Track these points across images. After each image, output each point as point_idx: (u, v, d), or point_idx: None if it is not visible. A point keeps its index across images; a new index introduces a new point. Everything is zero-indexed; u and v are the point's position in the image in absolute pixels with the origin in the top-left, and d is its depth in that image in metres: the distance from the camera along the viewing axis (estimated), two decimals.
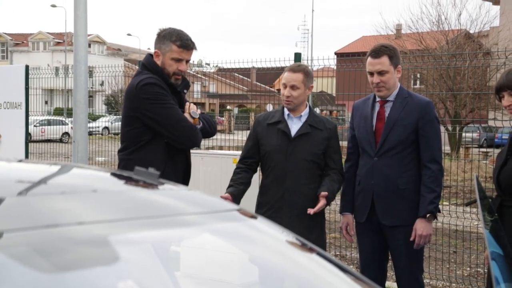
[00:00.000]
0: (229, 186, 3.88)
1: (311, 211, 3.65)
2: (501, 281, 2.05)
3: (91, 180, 1.79)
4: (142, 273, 1.60)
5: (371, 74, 3.69)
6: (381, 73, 3.65)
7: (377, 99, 3.78)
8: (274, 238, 1.93)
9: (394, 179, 3.65)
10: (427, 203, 3.55)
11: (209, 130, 3.80)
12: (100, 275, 1.38)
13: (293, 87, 3.82)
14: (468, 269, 6.47)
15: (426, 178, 3.59)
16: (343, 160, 4.00)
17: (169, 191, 1.87)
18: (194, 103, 3.83)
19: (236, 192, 3.80)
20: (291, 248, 1.94)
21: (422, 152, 3.65)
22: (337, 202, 7.35)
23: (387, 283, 5.28)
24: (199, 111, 3.78)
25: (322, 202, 3.67)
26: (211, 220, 1.77)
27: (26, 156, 6.88)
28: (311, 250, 1.89)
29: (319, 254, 1.87)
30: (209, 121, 3.82)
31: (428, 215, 3.57)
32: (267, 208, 3.83)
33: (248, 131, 4.54)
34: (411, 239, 3.59)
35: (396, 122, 3.66)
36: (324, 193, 3.68)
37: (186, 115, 3.68)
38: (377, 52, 3.67)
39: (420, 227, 3.58)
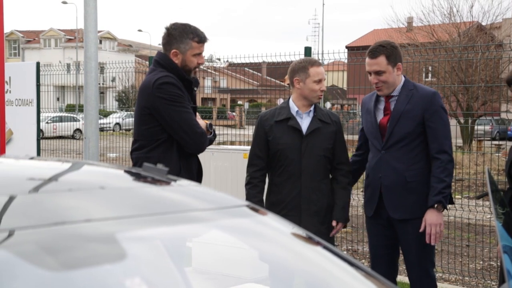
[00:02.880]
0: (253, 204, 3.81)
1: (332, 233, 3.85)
2: None
3: (99, 177, 1.79)
4: (151, 269, 1.60)
5: (370, 73, 3.69)
6: (378, 73, 3.63)
7: None
8: (283, 234, 1.92)
9: (402, 172, 3.63)
10: (435, 193, 3.52)
11: (213, 140, 3.84)
12: (109, 273, 1.38)
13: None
14: (481, 262, 6.44)
15: (435, 168, 3.56)
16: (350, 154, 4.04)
17: (178, 187, 1.87)
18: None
19: None
20: (301, 244, 1.93)
21: (430, 144, 3.61)
22: (352, 197, 7.35)
23: (399, 277, 5.26)
24: (207, 121, 3.83)
25: (338, 227, 3.87)
26: (221, 216, 1.77)
27: (38, 153, 6.92)
28: (321, 245, 1.88)
29: (329, 249, 1.86)
30: (215, 132, 3.87)
31: (436, 205, 3.54)
32: (282, 206, 3.78)
33: None
34: (421, 230, 3.56)
35: (402, 115, 3.64)
36: (339, 225, 3.86)
37: (200, 121, 3.70)
38: (374, 52, 3.65)
39: (430, 217, 3.55)
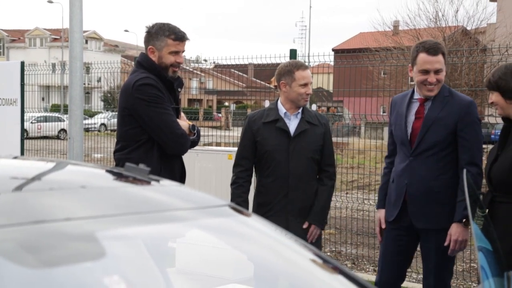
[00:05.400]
0: (236, 204, 3.78)
1: (309, 239, 3.81)
2: (489, 275, 2.06)
3: (80, 176, 1.79)
4: (132, 268, 1.61)
5: (426, 72, 3.44)
6: (437, 71, 3.43)
7: (416, 96, 3.58)
8: (265, 234, 1.94)
9: (429, 181, 3.48)
10: (464, 207, 3.33)
11: (196, 141, 3.83)
12: (89, 271, 1.38)
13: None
14: (463, 264, 6.50)
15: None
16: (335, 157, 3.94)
17: (159, 187, 1.88)
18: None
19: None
20: (282, 244, 1.94)
21: (461, 154, 3.46)
22: (336, 199, 7.38)
23: (405, 283, 5.26)
24: (190, 122, 3.82)
25: (312, 229, 3.84)
26: (202, 215, 1.78)
27: (22, 153, 6.88)
28: (302, 246, 1.90)
29: (309, 249, 1.88)
30: (199, 133, 3.85)
31: (464, 220, 3.41)
32: (270, 207, 3.79)
33: None
34: (445, 244, 3.45)
35: (434, 122, 3.47)
36: (311, 229, 3.84)
37: (182, 122, 3.70)
38: (436, 49, 3.43)
39: (456, 232, 3.43)
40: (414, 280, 5.99)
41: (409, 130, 3.56)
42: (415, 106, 3.58)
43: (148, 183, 1.82)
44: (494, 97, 3.26)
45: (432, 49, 3.43)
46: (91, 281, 1.42)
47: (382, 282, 3.73)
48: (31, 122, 15.59)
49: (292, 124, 3.84)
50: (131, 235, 1.60)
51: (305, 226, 3.81)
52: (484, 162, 3.47)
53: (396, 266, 3.69)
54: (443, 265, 3.60)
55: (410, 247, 3.65)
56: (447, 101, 3.50)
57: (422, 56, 3.45)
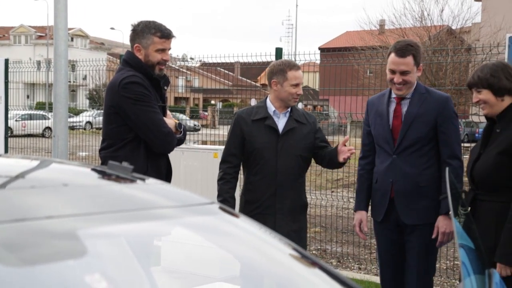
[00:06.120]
0: (224, 199, 3.78)
1: (341, 156, 3.76)
2: (471, 273, 2.09)
3: (63, 175, 1.78)
4: (114, 266, 1.60)
5: (393, 72, 3.54)
6: (404, 73, 3.51)
7: (393, 95, 3.66)
8: (249, 232, 1.95)
9: (414, 177, 3.55)
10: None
11: (183, 139, 3.83)
12: (71, 270, 1.38)
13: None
14: (447, 262, 6.55)
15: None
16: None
17: (143, 185, 1.87)
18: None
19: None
20: (266, 242, 1.95)
21: (442, 148, 3.55)
22: (321, 197, 7.40)
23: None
24: (176, 120, 3.81)
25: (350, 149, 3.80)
26: (186, 213, 1.78)
27: (6, 151, 6.84)
28: (286, 244, 1.91)
29: (293, 248, 1.89)
30: (185, 131, 3.85)
31: (450, 212, 3.50)
32: (257, 205, 3.80)
33: None
34: (433, 236, 3.51)
35: (415, 119, 3.56)
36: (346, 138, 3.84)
37: (168, 121, 3.70)
38: (403, 51, 3.50)
39: (443, 224, 3.49)
40: None
41: (391, 128, 3.62)
42: (392, 105, 3.67)
43: (132, 181, 1.82)
44: (482, 95, 3.26)
45: (400, 50, 3.52)
46: (73, 280, 1.42)
47: (385, 280, 3.81)
48: (16, 120, 15.47)
49: (281, 122, 3.86)
50: (114, 233, 1.59)
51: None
52: (467, 160, 3.51)
53: (394, 263, 3.74)
54: (428, 260, 3.65)
55: (401, 242, 3.69)
56: (425, 98, 3.60)
57: (391, 56, 3.56)
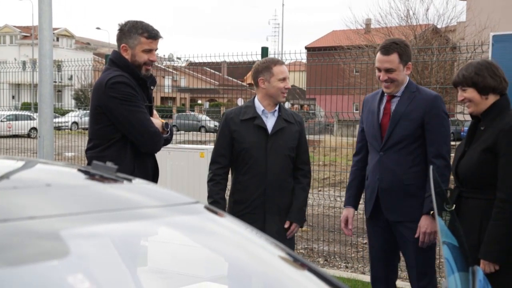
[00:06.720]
0: (214, 201, 3.78)
1: (288, 235, 3.85)
2: (455, 270, 2.10)
3: (46, 175, 1.77)
4: (98, 267, 1.60)
5: (379, 70, 3.60)
6: (388, 70, 3.55)
7: (385, 93, 3.70)
8: (235, 231, 1.95)
9: (399, 174, 3.57)
10: (431, 200, 3.33)
11: (170, 139, 3.82)
12: (54, 270, 1.37)
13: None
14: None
15: None
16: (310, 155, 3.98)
17: (127, 185, 1.87)
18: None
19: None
20: (252, 242, 1.95)
21: (428, 147, 3.56)
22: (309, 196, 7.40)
23: (404, 283, 5.30)
24: (163, 120, 3.81)
25: (293, 227, 3.88)
26: (170, 213, 1.78)
27: None
28: (272, 243, 1.91)
29: (280, 247, 1.89)
30: (172, 131, 3.84)
31: (432, 211, 3.46)
32: (247, 205, 3.80)
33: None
34: (416, 236, 3.52)
35: (402, 117, 3.58)
36: (293, 225, 3.87)
37: (155, 120, 3.69)
38: (387, 49, 3.55)
39: (424, 224, 3.51)
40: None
41: (379, 125, 3.66)
42: (383, 103, 3.70)
43: (116, 181, 1.81)
44: (467, 93, 3.29)
45: (383, 48, 3.59)
46: (58, 281, 1.41)
47: (375, 279, 3.82)
48: (1, 121, 15.35)
49: (270, 122, 3.86)
50: (98, 233, 1.59)
51: (286, 225, 3.84)
52: (453, 158, 3.53)
53: (384, 262, 3.75)
54: (423, 258, 3.64)
55: (393, 241, 3.70)
56: (414, 96, 3.61)
57: (378, 54, 3.63)
